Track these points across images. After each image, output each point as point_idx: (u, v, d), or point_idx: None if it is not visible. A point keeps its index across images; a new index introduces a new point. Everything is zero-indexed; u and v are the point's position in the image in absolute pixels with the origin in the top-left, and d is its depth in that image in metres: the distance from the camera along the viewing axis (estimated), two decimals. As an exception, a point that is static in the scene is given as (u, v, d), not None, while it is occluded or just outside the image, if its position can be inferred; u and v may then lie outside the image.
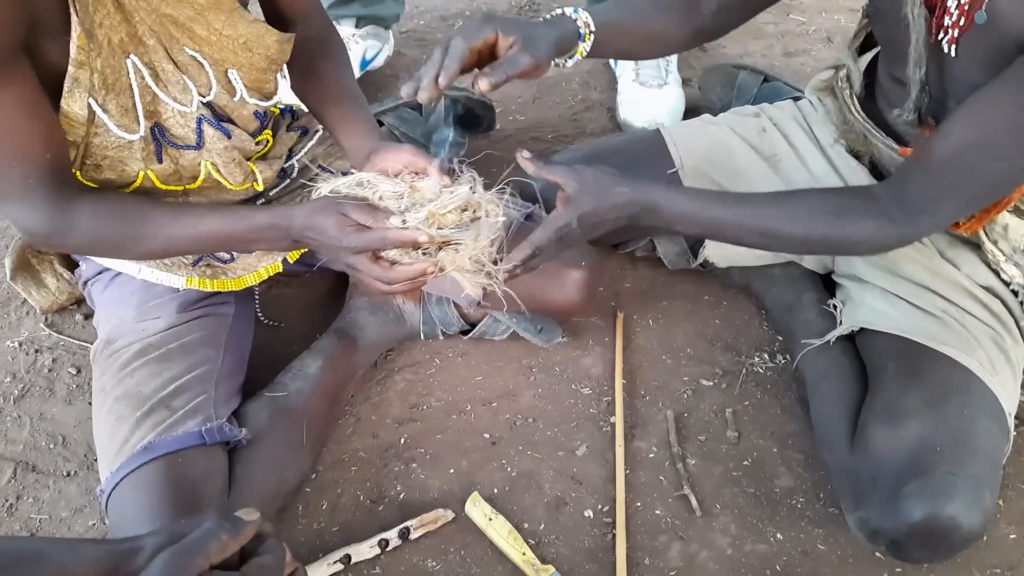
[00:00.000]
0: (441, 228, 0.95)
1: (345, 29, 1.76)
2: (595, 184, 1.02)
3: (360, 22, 1.76)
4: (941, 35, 1.03)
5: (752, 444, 1.23)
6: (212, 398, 1.09)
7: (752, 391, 1.30)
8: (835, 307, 1.28)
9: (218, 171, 1.10)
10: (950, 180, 1.00)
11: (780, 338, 1.37)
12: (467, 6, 2.11)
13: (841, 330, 1.23)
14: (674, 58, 1.79)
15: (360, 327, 1.30)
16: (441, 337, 1.34)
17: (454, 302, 1.31)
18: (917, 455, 1.04)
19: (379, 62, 1.85)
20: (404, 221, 0.94)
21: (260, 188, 1.17)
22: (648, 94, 1.72)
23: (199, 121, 1.05)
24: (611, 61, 1.86)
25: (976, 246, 1.22)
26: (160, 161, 1.05)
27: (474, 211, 0.97)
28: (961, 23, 1.01)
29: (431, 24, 2.07)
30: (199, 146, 1.07)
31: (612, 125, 1.78)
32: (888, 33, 1.14)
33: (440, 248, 0.96)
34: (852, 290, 1.27)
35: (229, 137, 1.09)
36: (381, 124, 1.55)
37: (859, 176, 1.30)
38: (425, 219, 0.94)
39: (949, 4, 1.01)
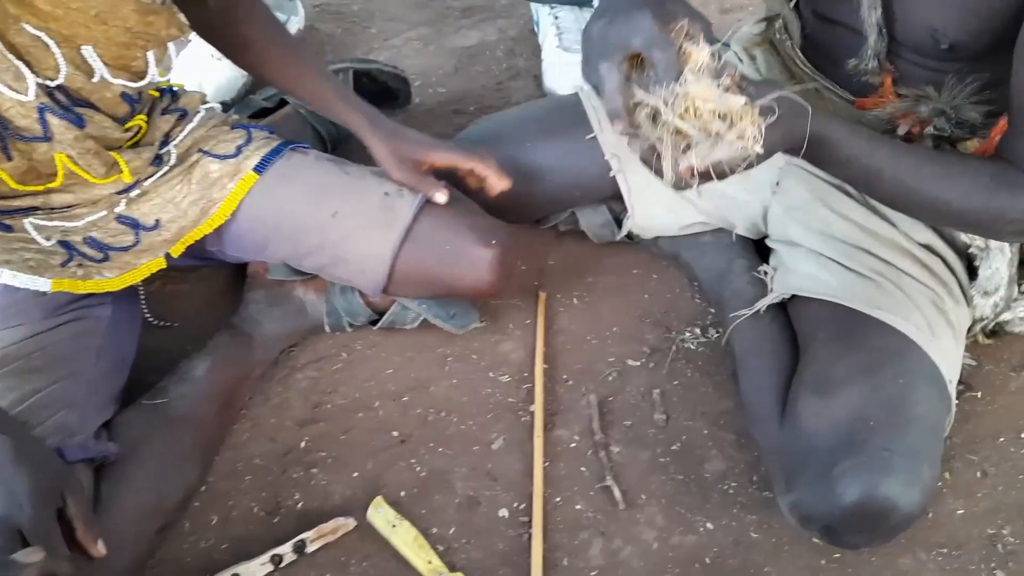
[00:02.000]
0: (686, 117, 0.78)
1: None
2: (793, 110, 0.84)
3: (261, -7, 1.64)
4: None
5: (681, 426, 1.14)
6: (80, 410, 0.99)
7: (682, 369, 1.21)
8: (766, 274, 1.19)
9: (75, 163, 0.99)
10: None
11: (712, 311, 1.28)
12: (384, -24, 1.99)
13: (771, 298, 1.14)
14: (599, 17, 1.69)
15: (257, 322, 1.20)
16: (348, 329, 1.24)
17: (359, 291, 1.22)
18: (849, 429, 0.95)
19: (288, 36, 1.74)
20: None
21: (129, 180, 1.06)
22: (572, 59, 1.62)
23: (40, 111, 0.94)
24: (534, 26, 1.75)
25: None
26: (9, 158, 0.95)
27: (730, 125, 0.78)
28: None
29: (347, -5, 1.96)
30: (47, 138, 0.96)
31: (539, 94, 1.68)
32: None
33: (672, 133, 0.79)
34: (785, 255, 1.19)
35: (82, 126, 0.98)
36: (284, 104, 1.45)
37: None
38: (680, 96, 0.77)
39: None
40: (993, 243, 1.07)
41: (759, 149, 0.78)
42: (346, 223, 1.12)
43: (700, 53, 0.78)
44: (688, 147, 0.78)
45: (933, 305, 1.05)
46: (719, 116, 0.77)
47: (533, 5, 1.75)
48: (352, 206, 1.13)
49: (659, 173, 0.81)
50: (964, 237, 1.09)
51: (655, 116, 0.79)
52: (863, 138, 0.93)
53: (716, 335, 1.25)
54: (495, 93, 1.69)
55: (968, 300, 1.10)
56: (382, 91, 1.55)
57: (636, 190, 1.26)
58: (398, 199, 1.12)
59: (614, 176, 1.25)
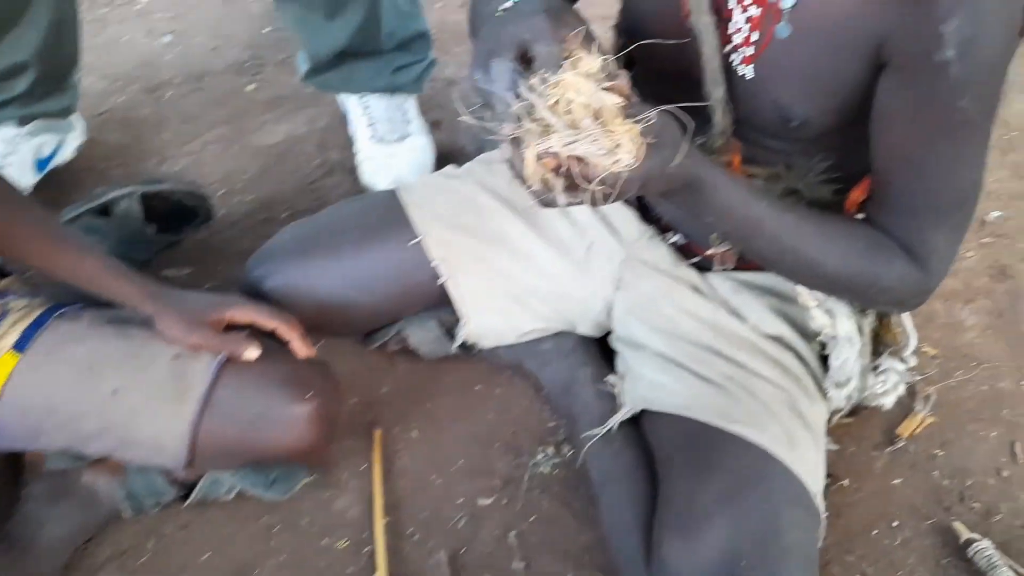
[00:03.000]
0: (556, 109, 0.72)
1: (6, 132, 1.44)
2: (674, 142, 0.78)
3: (24, 121, 1.45)
4: (731, 53, 0.88)
5: (542, 571, 1.03)
6: None
7: (538, 500, 1.09)
8: (614, 385, 1.10)
9: None
10: (933, 204, 0.87)
11: (563, 424, 1.17)
12: (176, 73, 1.81)
13: (621, 415, 1.05)
14: (413, 103, 1.58)
15: (38, 524, 1.02)
16: (154, 510, 1.07)
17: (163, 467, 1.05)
18: (721, 571, 0.86)
19: (65, 155, 1.54)
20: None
21: None
22: (388, 151, 1.50)
23: None
24: (346, 116, 1.62)
25: (763, 290, 1.08)
26: None
27: (604, 128, 0.71)
28: (754, 39, 0.86)
29: (136, 98, 1.77)
30: None
31: (357, 190, 1.55)
32: (656, 51, 0.96)
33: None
34: (630, 358, 1.10)
35: None
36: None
37: (629, 221, 1.13)
38: (554, 85, 0.72)
39: (735, 17, 0.86)
40: (841, 332, 1.01)
41: (629, 160, 0.71)
42: (129, 400, 0.96)
43: (590, 60, 0.74)
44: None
45: (789, 408, 0.98)
46: (593, 116, 0.71)
47: (340, 95, 1.62)
48: (135, 379, 0.97)
49: (520, 176, 0.74)
50: (814, 324, 1.03)
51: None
52: (743, 188, 0.86)
53: (570, 452, 1.14)
54: (308, 194, 1.55)
55: (823, 393, 1.04)
56: (178, 211, 1.38)
57: (469, 296, 1.15)
58: (192, 362, 0.97)
59: (443, 283, 1.14)
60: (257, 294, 1.11)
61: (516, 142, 0.73)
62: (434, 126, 1.63)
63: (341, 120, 1.67)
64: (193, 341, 0.97)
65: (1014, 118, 1.65)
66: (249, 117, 1.70)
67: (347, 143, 1.63)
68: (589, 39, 0.76)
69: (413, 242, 1.14)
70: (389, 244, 1.15)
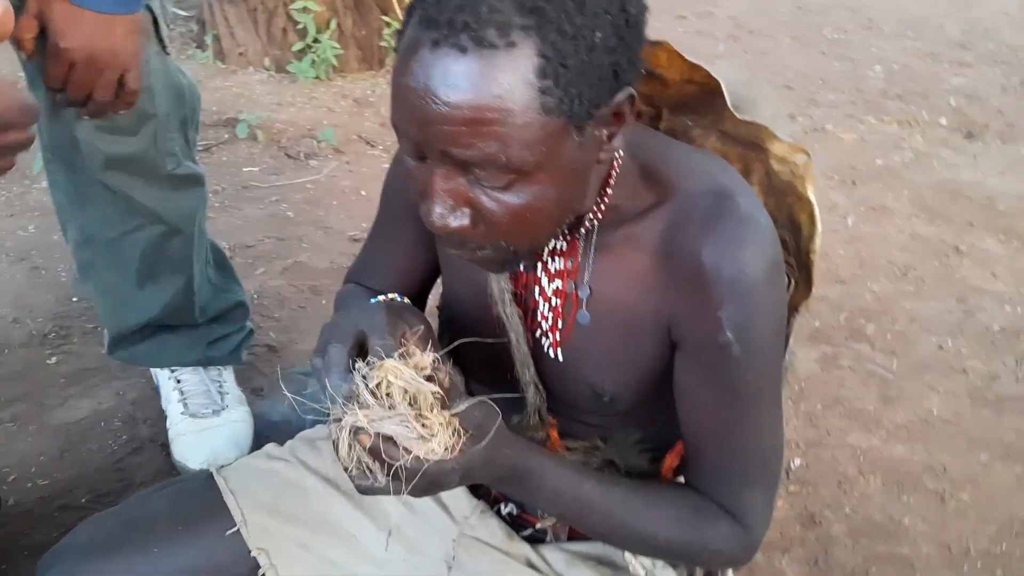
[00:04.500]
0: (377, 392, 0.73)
1: None
2: (497, 433, 0.79)
3: None
4: (541, 338, 0.93)
5: None
6: None
7: None
8: None
9: None
10: (742, 467, 0.90)
11: None
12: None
13: None
14: (230, 374, 1.54)
15: None
16: None
17: None
18: None
19: None
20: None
21: None
22: (202, 425, 1.44)
23: None
24: (158, 388, 1.56)
25: (596, 561, 1.07)
26: None
27: (419, 416, 0.73)
28: (560, 326, 0.90)
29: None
30: None
31: (168, 468, 1.46)
32: (475, 335, 0.99)
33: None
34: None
35: None
36: None
37: (459, 497, 1.12)
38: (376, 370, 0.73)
39: (540, 308, 0.91)
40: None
41: (441, 452, 0.72)
42: None
43: (422, 356, 0.76)
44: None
45: None
46: (410, 401, 0.73)
47: (152, 369, 1.56)
48: None
49: (340, 457, 0.74)
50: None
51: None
52: (570, 470, 0.88)
53: None
54: (113, 475, 1.44)
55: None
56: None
57: (292, 586, 1.07)
58: None
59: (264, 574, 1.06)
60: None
61: (339, 423, 0.74)
62: (255, 394, 1.59)
63: (153, 391, 1.60)
64: None
65: (802, 371, 1.82)
66: (50, 392, 1.60)
67: (160, 416, 1.55)
68: (426, 338, 0.80)
69: (231, 531, 1.07)
70: (206, 536, 1.07)
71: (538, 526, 1.08)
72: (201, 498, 1.11)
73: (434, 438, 0.73)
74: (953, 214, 2.66)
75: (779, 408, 0.93)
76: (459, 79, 0.65)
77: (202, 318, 1.47)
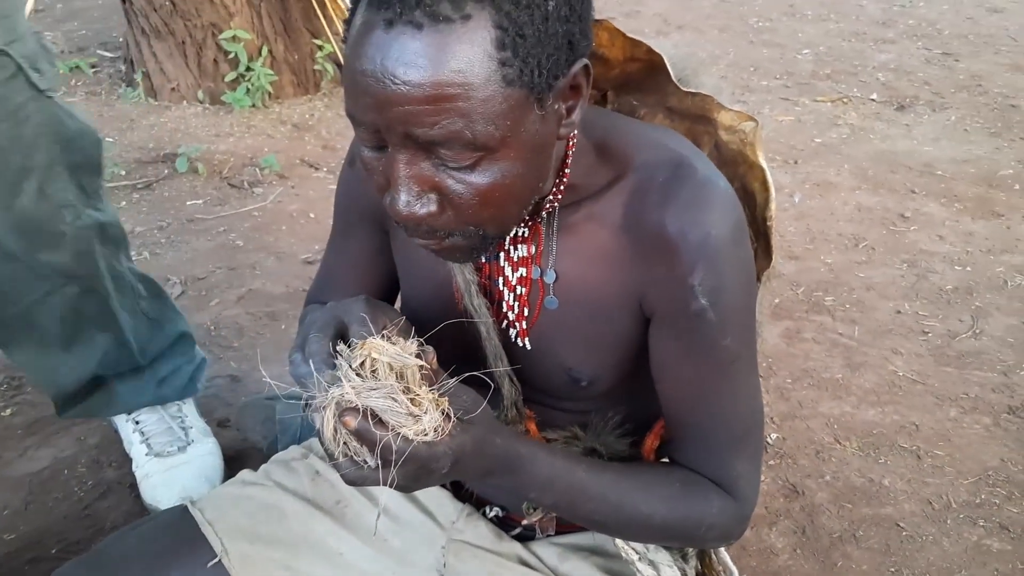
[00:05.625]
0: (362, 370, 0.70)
1: None
2: (486, 419, 0.78)
3: None
4: (508, 328, 0.91)
5: None
6: None
7: None
8: None
9: None
10: (728, 436, 0.90)
11: None
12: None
13: None
14: (191, 407, 1.49)
15: None
16: None
17: None
18: None
19: None
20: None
21: None
22: (169, 464, 1.40)
23: None
24: (119, 431, 1.51)
25: (588, 551, 1.06)
26: None
27: (407, 391, 0.70)
28: (526, 314, 0.89)
29: None
30: None
31: (139, 509, 1.42)
32: (442, 335, 0.97)
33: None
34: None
35: None
36: None
37: (443, 502, 1.10)
38: (359, 348, 0.71)
39: (506, 296, 0.90)
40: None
41: (430, 429, 0.69)
42: None
43: (406, 343, 0.73)
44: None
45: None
46: (397, 376, 0.70)
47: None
48: None
49: (325, 444, 0.71)
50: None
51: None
52: (559, 456, 0.85)
53: None
54: (83, 522, 1.39)
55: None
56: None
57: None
58: None
59: (249, 605, 1.03)
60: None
61: (322, 411, 0.71)
62: (221, 426, 1.55)
63: (115, 433, 1.55)
64: None
65: (768, 347, 1.83)
66: (8, 444, 1.54)
67: (125, 458, 1.51)
68: (407, 330, 0.78)
69: (212, 563, 1.03)
70: (185, 570, 1.03)
71: (525, 523, 1.07)
72: (177, 532, 1.07)
73: (424, 416, 0.70)
74: (894, 183, 2.72)
75: (756, 373, 0.93)
76: (417, 56, 0.64)
77: (145, 359, 1.42)
